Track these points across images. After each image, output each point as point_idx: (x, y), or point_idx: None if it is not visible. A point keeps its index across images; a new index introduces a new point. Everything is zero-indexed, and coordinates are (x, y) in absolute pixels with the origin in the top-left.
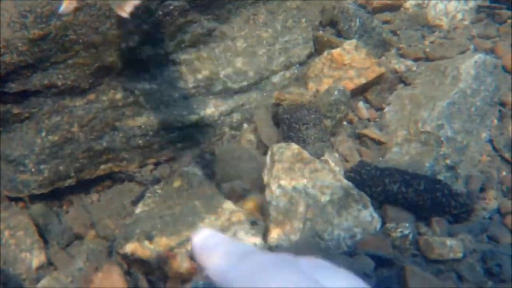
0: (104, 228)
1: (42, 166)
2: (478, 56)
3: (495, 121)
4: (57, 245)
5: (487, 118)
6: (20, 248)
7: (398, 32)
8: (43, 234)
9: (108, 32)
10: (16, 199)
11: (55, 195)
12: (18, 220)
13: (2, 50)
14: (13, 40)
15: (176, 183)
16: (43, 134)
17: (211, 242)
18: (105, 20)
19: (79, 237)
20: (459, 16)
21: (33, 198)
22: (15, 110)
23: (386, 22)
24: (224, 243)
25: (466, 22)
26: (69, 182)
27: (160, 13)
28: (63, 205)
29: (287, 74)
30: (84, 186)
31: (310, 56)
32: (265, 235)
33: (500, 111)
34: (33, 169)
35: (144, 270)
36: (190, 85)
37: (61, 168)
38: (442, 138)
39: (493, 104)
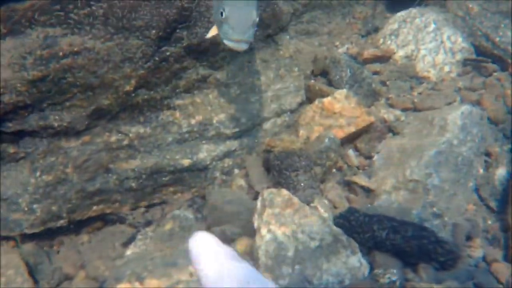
0: (94, 269)
1: (35, 206)
2: (465, 107)
3: (481, 170)
4: (47, 284)
5: (473, 168)
6: (10, 287)
7: (388, 82)
8: (33, 273)
9: (105, 75)
10: (7, 238)
11: (46, 234)
12: (9, 259)
13: (1, 90)
14: (12, 80)
15: (168, 226)
16: (38, 174)
17: (207, 249)
18: (103, 64)
19: (69, 278)
20: (447, 68)
21: (24, 238)
22: (11, 150)
23: (376, 72)
24: (219, 252)
25: (453, 75)
26: (61, 222)
27: (157, 58)
28: (54, 245)
29: (279, 121)
30: (76, 227)
31: (301, 104)
32: None
33: (485, 161)
34: (25, 208)
35: None
36: (184, 130)
37: (53, 208)
38: (429, 187)
39: (479, 154)
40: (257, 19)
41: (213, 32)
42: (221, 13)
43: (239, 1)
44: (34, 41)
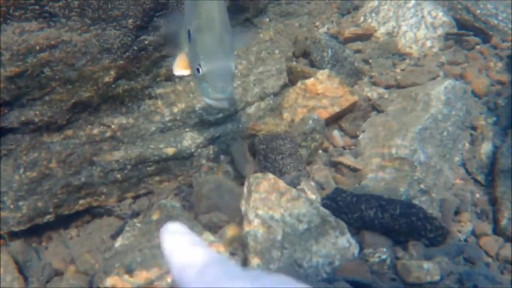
0: (84, 263)
1: (20, 203)
2: (448, 82)
3: (467, 144)
4: (37, 281)
5: (459, 142)
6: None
7: (370, 60)
8: (22, 270)
9: (84, 68)
10: None
11: (34, 231)
12: None
13: None
14: None
15: (155, 216)
16: (21, 170)
17: (178, 241)
18: (81, 56)
19: (59, 273)
20: (428, 43)
21: (12, 235)
22: None
23: (357, 51)
24: (190, 243)
25: (435, 50)
26: (48, 218)
27: (135, 48)
28: (43, 241)
29: (262, 105)
30: (63, 222)
31: (284, 86)
32: (244, 265)
33: (471, 134)
34: (11, 206)
35: None
36: (167, 119)
37: (39, 204)
38: (415, 163)
39: (464, 128)
40: (235, 70)
41: (180, 68)
42: (198, 69)
43: (215, 52)
44: (10, 36)
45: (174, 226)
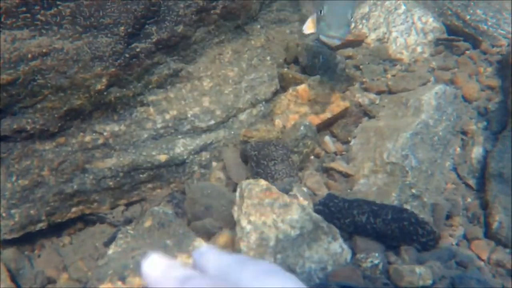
0: (76, 270)
1: (13, 211)
2: (439, 87)
3: (458, 149)
4: None
5: (450, 147)
6: None
7: (361, 66)
8: (15, 279)
9: (76, 75)
10: None
11: (27, 239)
12: None
13: None
14: None
15: (147, 223)
16: (13, 178)
17: (159, 270)
18: (73, 64)
19: (52, 281)
20: (419, 49)
21: (4, 243)
22: None
23: (349, 57)
24: (170, 270)
25: (425, 55)
26: (40, 226)
27: (127, 55)
28: (35, 249)
29: (254, 111)
30: (56, 230)
31: (275, 93)
32: None
33: (462, 139)
34: (3, 214)
35: None
36: (159, 126)
37: (32, 212)
38: (407, 168)
39: (455, 133)
40: (351, 19)
41: (310, 29)
42: (320, 11)
43: (338, 2)
44: (1, 44)
45: (155, 258)
